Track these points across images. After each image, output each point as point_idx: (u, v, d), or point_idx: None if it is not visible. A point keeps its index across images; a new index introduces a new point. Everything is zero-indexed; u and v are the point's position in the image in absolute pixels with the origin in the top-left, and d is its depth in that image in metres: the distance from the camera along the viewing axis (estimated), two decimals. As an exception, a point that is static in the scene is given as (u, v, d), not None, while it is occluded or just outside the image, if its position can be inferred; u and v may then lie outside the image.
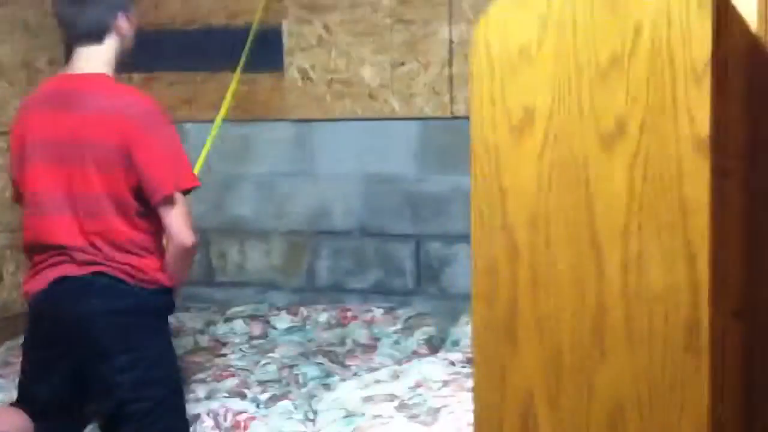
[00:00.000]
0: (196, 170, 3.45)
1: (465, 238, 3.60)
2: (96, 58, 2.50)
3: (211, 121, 3.76)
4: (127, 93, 2.52)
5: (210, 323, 3.70)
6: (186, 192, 2.49)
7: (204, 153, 3.42)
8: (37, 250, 2.54)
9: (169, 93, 3.87)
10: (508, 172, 1.42)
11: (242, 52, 3.62)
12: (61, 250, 2.48)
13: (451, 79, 3.41)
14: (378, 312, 3.51)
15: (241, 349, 3.46)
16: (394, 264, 3.60)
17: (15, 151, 2.56)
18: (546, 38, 1.39)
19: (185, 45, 3.86)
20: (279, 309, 3.73)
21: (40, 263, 2.53)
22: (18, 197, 2.61)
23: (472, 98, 1.43)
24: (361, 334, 3.44)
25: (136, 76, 3.93)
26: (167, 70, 3.89)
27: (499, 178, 1.42)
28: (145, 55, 3.93)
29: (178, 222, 2.45)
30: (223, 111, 3.55)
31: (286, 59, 3.66)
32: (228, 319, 3.70)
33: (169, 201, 2.43)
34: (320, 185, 3.69)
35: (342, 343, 3.44)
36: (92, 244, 2.46)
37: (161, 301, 2.54)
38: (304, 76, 3.63)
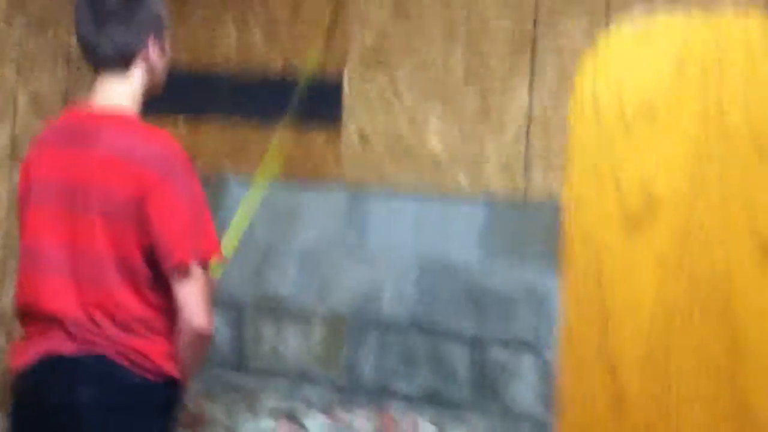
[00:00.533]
0: (231, 236, 2.97)
1: (534, 348, 3.02)
2: (119, 90, 2.12)
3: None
4: (149, 134, 2.09)
5: (235, 415, 3.17)
6: (206, 264, 2.04)
7: (242, 215, 2.93)
8: (29, 317, 2.13)
9: (217, 140, 3.41)
10: (617, 284, 0.95)
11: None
12: (55, 320, 2.06)
13: (527, 154, 2.82)
14: (426, 428, 2.91)
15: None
16: (446, 368, 2.99)
17: (20, 193, 2.19)
18: (683, 88, 0.83)
19: (238, 90, 3.40)
20: (314, 408, 3.16)
21: (31, 333, 2.12)
22: None
23: (569, 173, 1.02)
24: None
25: (182, 118, 3.49)
26: (216, 114, 3.42)
27: (601, 292, 0.96)
28: (195, 97, 3.56)
29: (192, 300, 2.01)
30: (266, 169, 3.06)
31: (345, 116, 3.14)
32: (256, 414, 3.17)
33: (184, 271, 2.00)
34: (370, 263, 3.13)
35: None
36: (91, 318, 2.03)
37: (166, 395, 2.09)
38: (363, 136, 3.10)
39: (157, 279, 2.02)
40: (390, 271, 3.09)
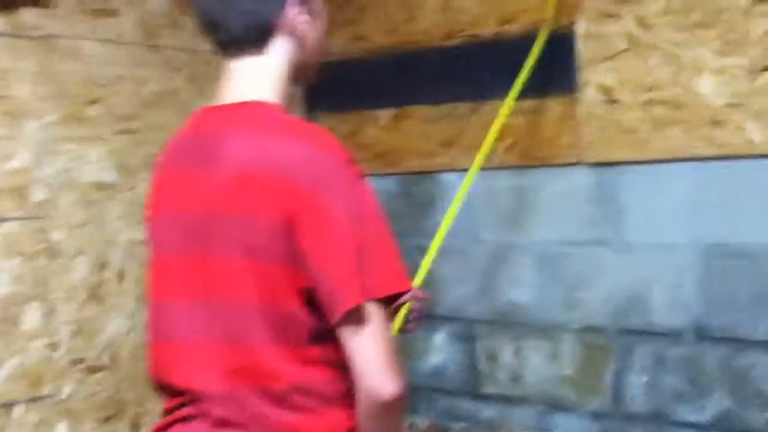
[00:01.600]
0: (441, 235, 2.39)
1: None
2: (253, 77, 1.55)
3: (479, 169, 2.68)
4: (291, 133, 1.49)
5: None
6: (388, 301, 1.45)
7: (452, 212, 2.34)
8: (164, 391, 1.59)
9: (424, 133, 2.85)
10: None
11: (519, 70, 2.52)
12: (190, 397, 1.52)
13: None
14: (725, 466, 2.19)
15: None
16: (752, 387, 2.26)
17: (146, 235, 1.65)
18: None
19: (444, 67, 2.82)
20: (570, 443, 2.52)
21: (168, 413, 1.58)
22: None
23: None
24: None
25: (383, 114, 2.96)
26: (421, 102, 2.86)
27: None
28: (395, 85, 3.03)
29: (369, 354, 1.43)
30: (483, 154, 2.47)
31: (581, 75, 2.49)
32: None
33: (356, 318, 1.42)
34: (632, 260, 2.45)
35: None
36: (236, 393, 1.48)
37: None
38: (608, 97, 2.44)
39: (324, 329, 1.46)
40: (660, 265, 2.39)
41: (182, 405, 1.54)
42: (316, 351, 1.47)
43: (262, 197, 1.43)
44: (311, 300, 1.44)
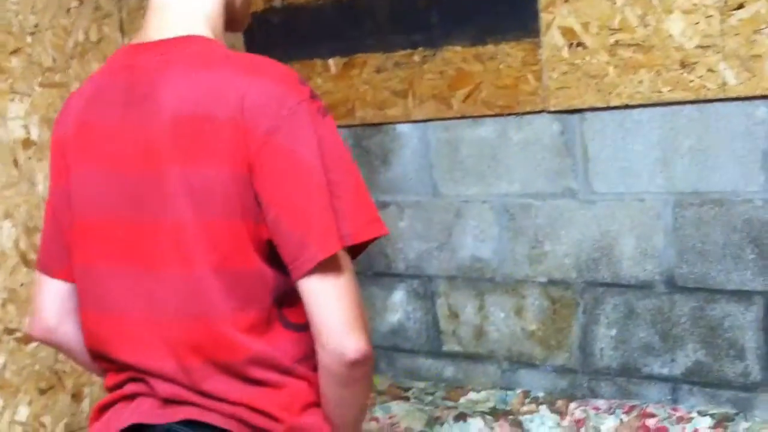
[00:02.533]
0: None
1: None
2: (184, 12, 1.37)
3: (436, 119, 2.57)
4: (247, 70, 1.31)
5: (432, 422, 2.48)
6: (359, 248, 1.31)
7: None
8: (104, 363, 1.44)
9: (378, 83, 2.70)
10: None
11: (474, 14, 2.39)
12: (134, 373, 1.38)
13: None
14: (702, 422, 2.11)
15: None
16: (724, 338, 2.20)
17: (54, 194, 1.45)
18: None
19: (395, 12, 2.67)
20: (537, 402, 2.44)
21: (112, 388, 1.43)
22: (46, 265, 1.49)
23: None
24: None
25: (332, 63, 2.80)
26: (372, 50, 2.71)
27: None
28: (343, 31, 2.87)
29: (335, 309, 1.27)
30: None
31: (543, 16, 2.36)
32: (460, 415, 2.46)
33: (322, 269, 1.26)
34: (600, 211, 2.35)
35: (641, 472, 2.09)
36: (186, 368, 1.32)
37: None
38: (572, 40, 2.32)
39: (288, 287, 1.32)
40: (629, 216, 2.30)
41: (126, 381, 1.40)
42: (277, 314, 1.33)
43: (210, 143, 1.26)
44: (273, 255, 1.29)
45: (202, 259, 1.29)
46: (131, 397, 1.39)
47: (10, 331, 2.29)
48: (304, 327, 1.31)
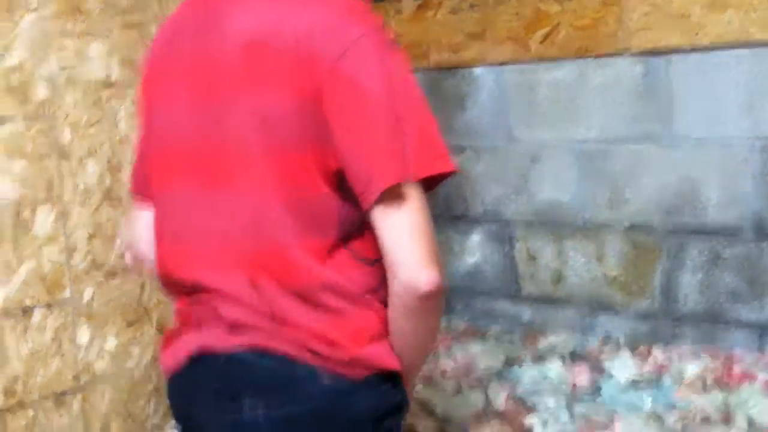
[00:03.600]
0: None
1: None
2: None
3: (512, 62, 2.52)
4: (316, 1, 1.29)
5: (510, 362, 2.49)
6: (427, 184, 1.29)
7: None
8: (173, 290, 1.45)
9: (451, 25, 2.65)
10: None
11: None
12: (206, 293, 1.37)
13: None
14: (789, 368, 2.09)
15: (557, 419, 2.22)
16: (815, 286, 2.15)
17: (141, 121, 1.49)
18: None
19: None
20: (618, 346, 2.43)
21: (179, 315, 1.44)
22: (137, 196, 1.55)
23: None
24: (762, 407, 2.05)
25: (405, 5, 2.76)
26: (446, -10, 2.65)
27: None
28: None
29: (404, 241, 1.26)
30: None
31: (625, -45, 2.28)
32: (539, 357, 2.47)
33: (392, 200, 1.25)
34: (683, 156, 2.30)
35: (726, 420, 2.07)
36: (256, 287, 1.32)
37: (379, 402, 1.35)
38: (655, -21, 2.24)
39: (359, 219, 1.31)
40: (713, 162, 2.25)
41: (193, 305, 1.40)
42: (346, 243, 1.32)
43: (279, 69, 1.26)
44: (342, 184, 1.28)
45: (270, 182, 1.30)
46: (198, 323, 1.40)
47: (97, 266, 2.34)
48: (373, 261, 1.32)
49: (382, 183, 1.23)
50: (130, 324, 2.43)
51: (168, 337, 1.47)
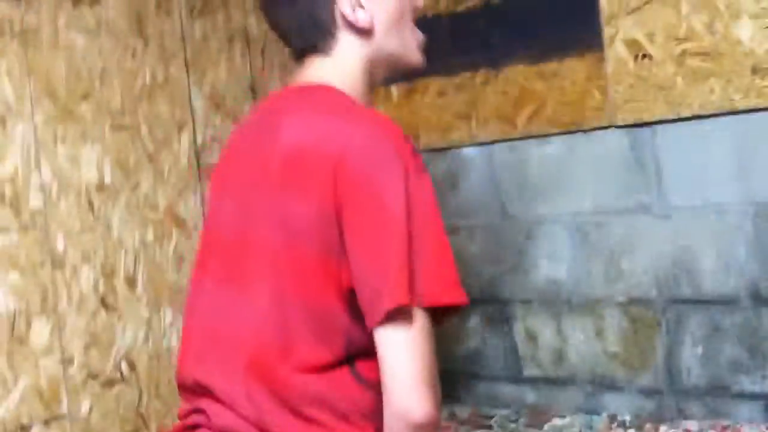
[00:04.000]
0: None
1: None
2: (324, 68, 1.46)
3: (500, 141, 2.53)
4: (357, 118, 1.35)
5: (517, 447, 2.43)
6: (436, 314, 1.28)
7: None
8: (180, 389, 1.47)
9: (439, 107, 2.67)
10: None
11: (534, 31, 2.35)
12: (200, 393, 1.38)
13: None
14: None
15: None
16: (818, 352, 2.10)
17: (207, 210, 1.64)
18: None
19: (455, 35, 2.64)
20: (624, 426, 2.36)
21: (179, 416, 1.46)
22: None
23: None
24: (771, 482, 1.97)
25: (394, 90, 2.79)
26: (433, 74, 2.68)
27: None
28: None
29: (403, 366, 1.25)
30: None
31: (606, 30, 2.31)
32: (544, 438, 2.41)
33: (397, 322, 1.25)
34: (676, 225, 2.28)
35: (737, 496, 2.00)
36: (250, 393, 1.33)
37: None
38: (637, 52, 2.26)
39: (367, 342, 1.31)
40: (708, 229, 2.22)
41: (192, 412, 1.42)
42: (351, 362, 1.32)
43: (311, 177, 1.30)
44: (353, 302, 1.29)
45: (284, 293, 1.31)
46: (193, 428, 1.41)
47: (93, 376, 2.32)
48: (375, 384, 1.30)
49: (388, 303, 1.23)
50: (129, 434, 2.40)
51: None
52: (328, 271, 1.29)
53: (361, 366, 1.32)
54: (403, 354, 1.24)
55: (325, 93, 1.40)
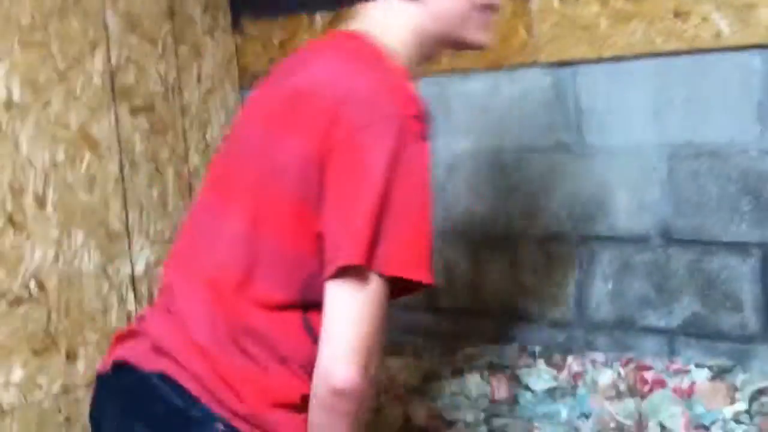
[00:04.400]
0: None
1: None
2: (371, 19, 1.44)
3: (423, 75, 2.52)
4: (372, 71, 1.33)
5: (431, 376, 2.48)
6: (396, 285, 1.27)
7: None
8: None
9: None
10: None
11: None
12: (167, 297, 1.42)
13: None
14: (699, 374, 2.12)
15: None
16: (721, 290, 2.19)
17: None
18: None
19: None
20: (534, 356, 2.43)
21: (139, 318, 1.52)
22: None
23: None
24: (672, 414, 2.07)
25: (318, 18, 2.75)
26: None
27: None
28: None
29: (341, 328, 1.24)
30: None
31: (533, -32, 2.31)
32: (457, 370, 2.47)
33: (348, 282, 1.24)
34: (593, 165, 2.33)
35: (639, 427, 2.09)
36: (202, 313, 1.34)
37: None
38: (563, -9, 2.27)
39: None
40: (623, 170, 2.28)
41: (147, 309, 1.50)
42: (304, 309, 1.32)
43: (308, 117, 1.29)
44: (320, 250, 1.28)
45: (256, 225, 1.32)
46: (140, 333, 1.42)
47: (1, 294, 2.26)
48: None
49: (342, 259, 1.22)
50: (36, 354, 2.35)
51: (117, 336, 1.48)
52: (301, 215, 1.28)
53: (314, 318, 1.31)
54: (344, 314, 1.23)
55: (357, 42, 1.39)
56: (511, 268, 2.51)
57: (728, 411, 1.97)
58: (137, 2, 2.63)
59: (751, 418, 1.94)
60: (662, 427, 2.04)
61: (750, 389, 2.00)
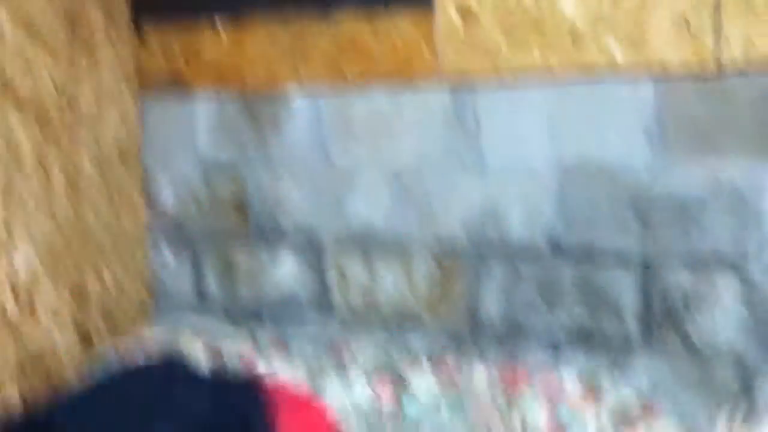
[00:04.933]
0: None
1: (731, 264, 2.17)
2: None
3: (327, 90, 2.61)
4: None
5: (315, 374, 2.53)
6: None
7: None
8: None
9: (267, 49, 2.70)
10: None
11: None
12: None
13: (718, 6, 2.12)
14: (567, 375, 2.27)
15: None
16: (605, 300, 2.36)
17: None
18: None
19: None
20: (421, 363, 2.53)
21: None
22: None
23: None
24: (539, 418, 2.20)
25: (222, 27, 2.78)
26: (262, 15, 2.70)
27: None
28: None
29: None
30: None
31: (438, -9, 2.44)
32: (343, 373, 2.53)
33: None
34: (489, 180, 2.46)
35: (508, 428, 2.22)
36: None
37: None
38: (466, 14, 2.40)
39: None
40: (517, 185, 2.42)
41: None
42: None
43: None
44: None
45: None
46: None
47: None
48: None
49: None
50: None
51: None
52: None
53: None
54: None
55: None
56: (406, 275, 2.61)
57: (592, 413, 2.13)
58: (35, 7, 2.58)
59: (616, 422, 2.11)
60: (523, 422, 2.17)
61: (618, 394, 2.16)
